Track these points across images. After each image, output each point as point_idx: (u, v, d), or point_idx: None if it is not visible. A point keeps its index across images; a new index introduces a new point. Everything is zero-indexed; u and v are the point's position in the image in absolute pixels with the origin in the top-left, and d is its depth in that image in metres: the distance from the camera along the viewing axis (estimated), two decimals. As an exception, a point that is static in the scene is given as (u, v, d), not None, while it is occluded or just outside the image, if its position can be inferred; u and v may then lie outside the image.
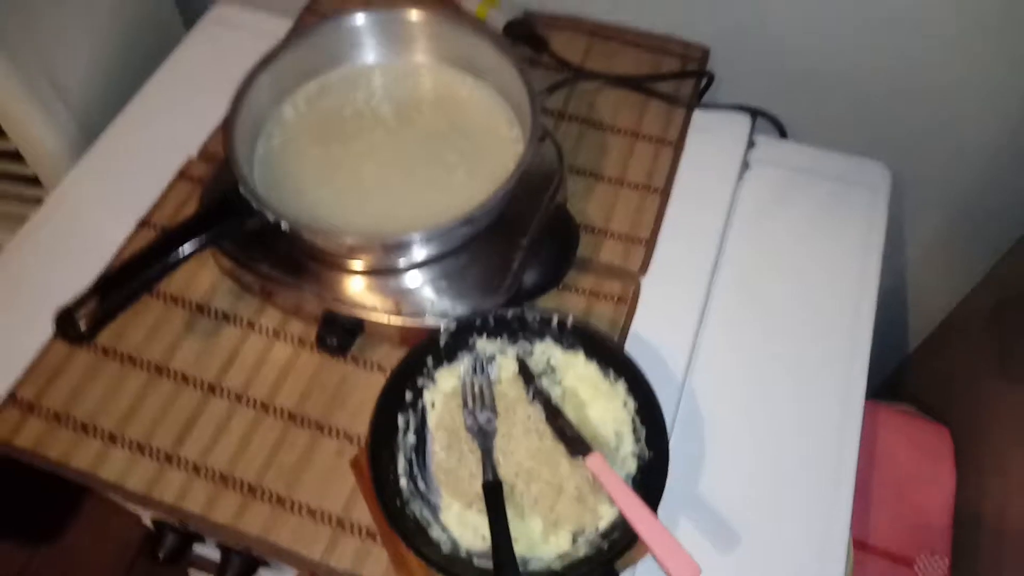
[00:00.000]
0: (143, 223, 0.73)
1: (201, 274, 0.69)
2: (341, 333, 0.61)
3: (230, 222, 0.57)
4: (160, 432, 0.62)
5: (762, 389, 0.66)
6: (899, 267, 0.95)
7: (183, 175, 0.76)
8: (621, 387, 0.58)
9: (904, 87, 0.79)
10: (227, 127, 0.60)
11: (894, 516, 0.76)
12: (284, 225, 0.56)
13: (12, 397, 0.63)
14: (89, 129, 0.81)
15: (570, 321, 0.59)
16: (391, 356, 0.65)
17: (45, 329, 0.64)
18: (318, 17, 0.86)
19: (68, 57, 0.82)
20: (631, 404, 0.58)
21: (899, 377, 1.03)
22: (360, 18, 0.67)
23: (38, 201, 0.77)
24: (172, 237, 0.56)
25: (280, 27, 0.86)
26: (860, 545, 0.75)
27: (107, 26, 0.86)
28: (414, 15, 0.67)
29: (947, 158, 0.84)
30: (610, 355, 0.59)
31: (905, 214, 0.89)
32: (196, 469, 0.61)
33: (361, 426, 0.62)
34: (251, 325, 0.67)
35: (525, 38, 0.82)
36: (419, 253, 0.60)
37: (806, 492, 0.62)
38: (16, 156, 0.83)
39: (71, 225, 0.74)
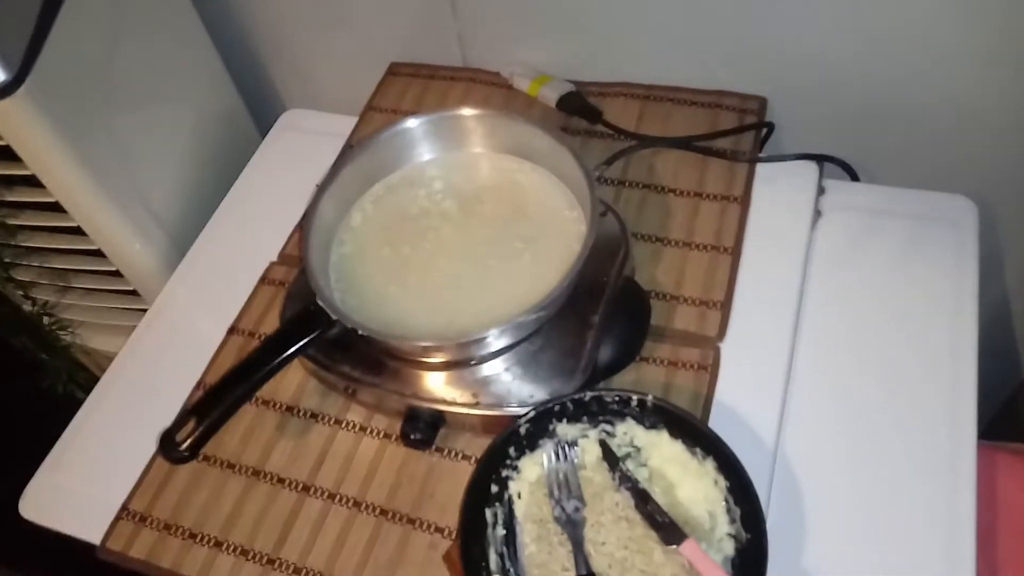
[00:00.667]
0: (232, 329, 0.77)
1: (289, 375, 0.72)
2: (424, 427, 0.63)
3: (311, 335, 0.59)
4: (261, 535, 0.65)
5: (861, 446, 0.63)
6: (998, 298, 0.90)
7: (265, 279, 0.80)
8: (710, 465, 0.57)
9: (974, 114, 0.75)
10: (302, 241, 0.63)
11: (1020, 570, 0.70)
12: (361, 331, 0.58)
13: (124, 510, 0.67)
14: (180, 243, 0.87)
15: (650, 400, 0.59)
16: (474, 444, 0.65)
17: (152, 441, 0.68)
18: (379, 113, 0.90)
19: (158, 181, 0.88)
20: (722, 483, 0.56)
21: (1012, 411, 0.96)
22: (414, 122, 0.70)
23: (142, 310, 0.83)
24: (258, 356, 0.59)
25: (346, 125, 0.90)
26: (991, 606, 0.70)
27: (190, 145, 0.93)
28: (466, 112, 0.69)
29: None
30: (695, 432, 0.58)
31: (997, 243, 0.84)
32: (297, 571, 0.63)
33: (451, 518, 0.63)
34: (338, 422, 0.69)
35: (579, 110, 0.83)
36: (493, 345, 0.61)
37: (922, 553, 0.58)
38: (116, 273, 0.89)
39: (169, 336, 0.79)
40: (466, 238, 0.67)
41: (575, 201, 0.67)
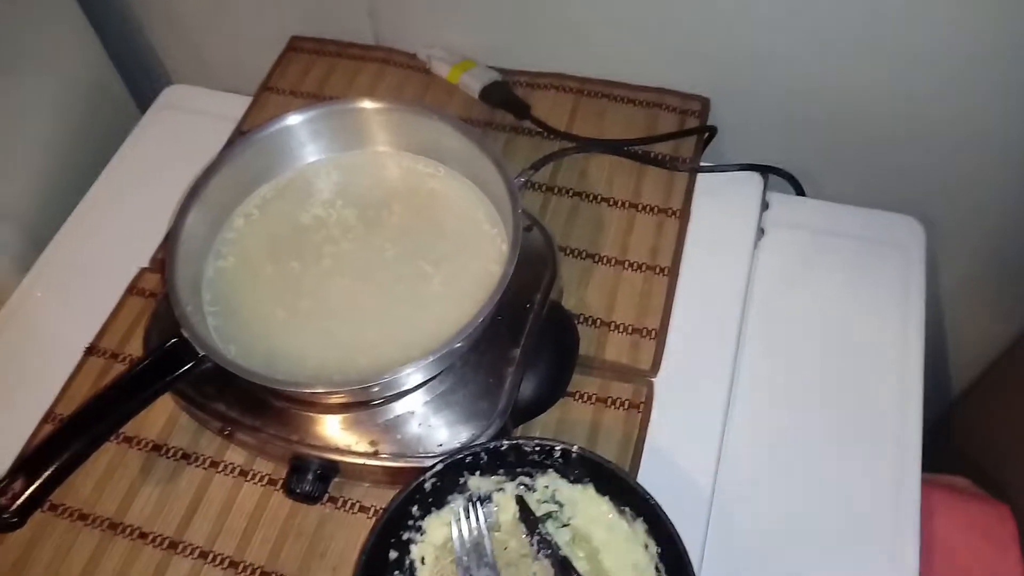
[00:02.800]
0: (91, 349, 0.65)
1: (157, 408, 0.61)
2: (313, 479, 0.53)
3: (174, 374, 0.49)
4: (117, 603, 0.54)
5: (803, 491, 0.57)
6: (933, 311, 0.86)
7: (134, 289, 0.68)
8: (640, 527, 0.50)
9: (928, 131, 0.70)
10: (166, 254, 0.53)
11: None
12: (237, 373, 0.48)
13: (-53, 573, 0.56)
14: (37, 238, 0.74)
15: (575, 450, 0.51)
16: (374, 494, 0.57)
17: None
18: (277, 94, 0.79)
19: (7, 163, 0.75)
20: (653, 548, 0.50)
21: (946, 424, 0.94)
22: (306, 115, 0.59)
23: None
24: (106, 400, 0.48)
25: (238, 106, 0.79)
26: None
27: (50, 122, 0.79)
28: (368, 105, 0.59)
29: (977, 205, 0.75)
30: (625, 489, 0.51)
31: (936, 258, 0.80)
32: (159, 647, 0.53)
33: (345, 580, 0.54)
34: (214, 464, 0.59)
35: (505, 103, 0.75)
36: (396, 386, 0.52)
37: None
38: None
39: (13, 357, 0.67)
40: (368, 255, 0.57)
41: (496, 215, 0.58)
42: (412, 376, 0.51)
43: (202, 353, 0.49)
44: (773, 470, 0.58)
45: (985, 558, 0.69)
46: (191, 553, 0.56)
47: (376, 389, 0.51)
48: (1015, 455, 0.79)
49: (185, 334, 0.49)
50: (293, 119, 0.59)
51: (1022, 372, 0.83)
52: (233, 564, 0.55)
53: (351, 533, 0.56)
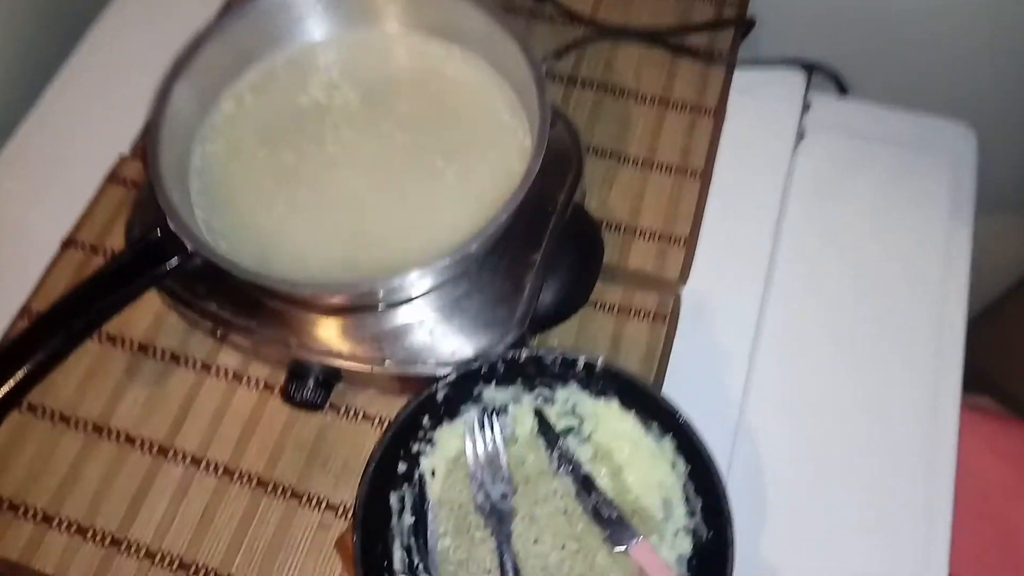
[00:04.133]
0: (69, 242, 0.60)
1: (142, 306, 0.56)
2: (313, 387, 0.49)
3: (158, 270, 0.44)
4: (104, 509, 0.51)
5: (834, 414, 0.54)
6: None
7: (114, 178, 0.62)
8: (668, 444, 0.47)
9: (983, 30, 0.64)
10: (149, 136, 0.47)
11: (979, 539, 0.66)
12: (228, 270, 0.43)
13: (-81, 474, 0.52)
14: (7, 124, 0.67)
15: (600, 363, 0.47)
16: (378, 401, 0.53)
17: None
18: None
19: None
20: (681, 467, 0.46)
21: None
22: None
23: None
24: (84, 296, 0.43)
25: (225, -19, 0.70)
26: None
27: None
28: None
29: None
30: (653, 404, 0.47)
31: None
32: (149, 555, 0.50)
33: (346, 491, 0.51)
34: (206, 367, 0.55)
35: (524, -17, 0.67)
36: (406, 290, 0.47)
37: (896, 539, 0.51)
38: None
39: (-16, 246, 0.61)
40: (373, 144, 0.51)
41: (517, 104, 0.52)
42: (421, 281, 0.46)
43: (191, 248, 0.44)
44: (804, 391, 0.55)
45: (1008, 479, 0.67)
46: (182, 460, 0.52)
47: (381, 294, 0.46)
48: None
49: (172, 225, 0.44)
50: (291, -12, 0.52)
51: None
52: (227, 472, 0.52)
53: (354, 443, 0.52)
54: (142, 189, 0.54)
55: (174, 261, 0.45)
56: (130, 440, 0.53)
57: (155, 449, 0.53)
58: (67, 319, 0.43)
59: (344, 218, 0.49)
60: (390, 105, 0.53)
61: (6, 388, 0.41)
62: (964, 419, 0.70)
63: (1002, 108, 0.68)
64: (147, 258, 0.44)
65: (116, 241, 0.60)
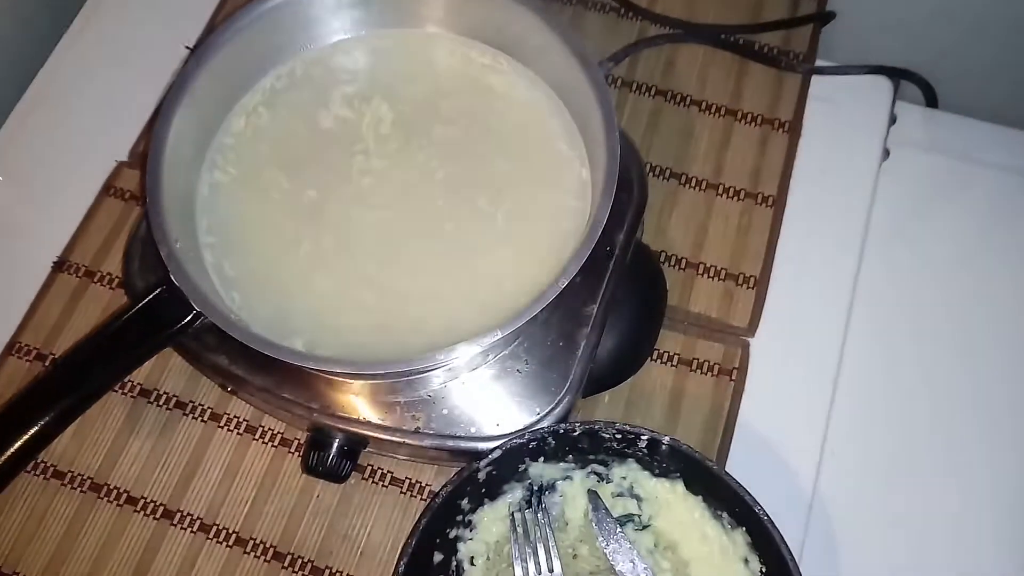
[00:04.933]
0: (60, 264, 0.53)
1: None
2: (337, 455, 0.43)
3: (161, 333, 0.38)
4: (103, 579, 0.46)
5: (925, 490, 0.48)
6: None
7: (110, 189, 0.55)
8: (740, 537, 0.41)
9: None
10: (148, 169, 0.40)
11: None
12: (244, 341, 0.37)
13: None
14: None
15: (666, 442, 0.41)
16: (410, 467, 0.47)
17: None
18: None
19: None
20: (755, 565, 0.41)
21: None
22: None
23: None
24: (74, 368, 0.37)
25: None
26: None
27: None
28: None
29: None
30: (725, 491, 0.41)
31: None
32: (155, 632, 0.45)
33: (372, 567, 0.46)
34: (215, 417, 0.49)
35: (573, -33, 0.59)
36: (442, 361, 0.41)
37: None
38: None
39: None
40: (408, 179, 0.44)
41: (574, 128, 0.45)
42: (462, 353, 0.40)
43: (196, 310, 0.37)
44: (889, 460, 0.48)
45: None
46: (190, 525, 0.47)
47: (415, 368, 0.40)
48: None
49: (177, 284, 0.37)
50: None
51: None
52: (240, 540, 0.47)
53: (381, 511, 0.47)
54: (139, 220, 0.48)
55: (178, 324, 0.38)
56: (131, 500, 0.48)
57: (159, 512, 0.47)
58: (59, 393, 0.37)
59: (375, 270, 0.42)
60: (427, 127, 0.46)
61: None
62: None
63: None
64: (150, 321, 0.38)
65: (113, 264, 0.53)
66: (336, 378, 0.42)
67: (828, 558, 0.46)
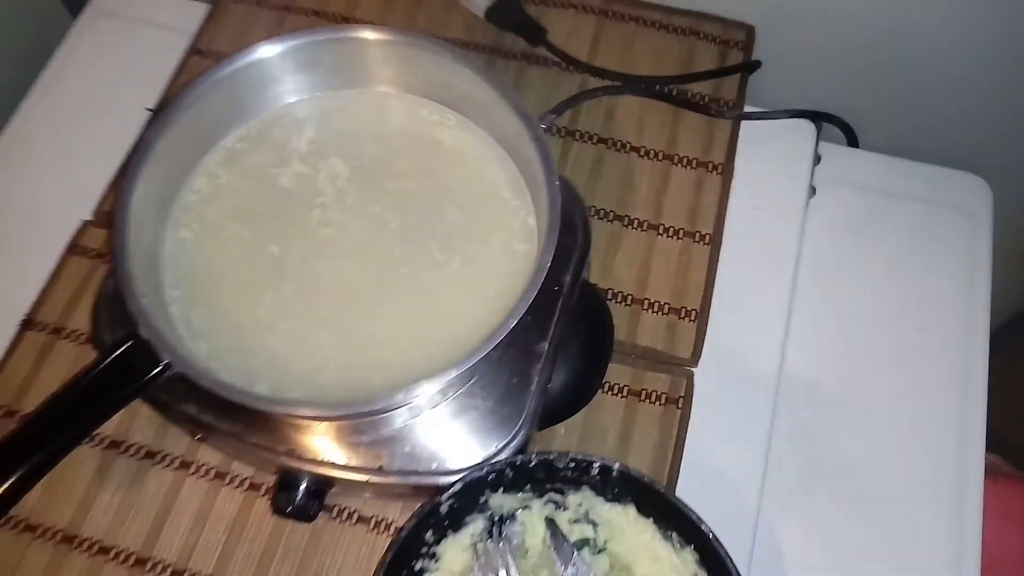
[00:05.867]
0: (28, 323, 0.55)
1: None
2: (304, 496, 0.45)
3: (130, 386, 0.40)
4: (77, 630, 0.47)
5: (857, 501, 0.51)
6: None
7: (75, 248, 0.57)
8: (689, 557, 0.44)
9: (995, 78, 0.61)
10: (114, 229, 0.42)
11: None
12: (212, 389, 0.39)
13: None
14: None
15: (616, 467, 0.44)
16: (375, 504, 0.49)
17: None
18: (240, 3, 0.65)
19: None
20: (704, 580, 0.43)
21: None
22: (280, 47, 0.47)
23: None
24: (42, 424, 0.39)
25: (192, 15, 0.65)
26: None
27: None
28: (367, 35, 0.47)
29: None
30: (673, 513, 0.44)
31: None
32: None
33: (343, 604, 0.47)
34: (185, 465, 0.51)
35: (516, 25, 0.63)
36: (403, 400, 0.43)
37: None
38: None
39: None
40: (365, 227, 0.47)
41: (519, 178, 0.48)
42: (422, 391, 0.42)
43: (166, 360, 0.39)
44: (826, 475, 0.52)
45: (1015, 546, 0.65)
46: (162, 572, 0.48)
47: (377, 408, 0.42)
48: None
49: (145, 336, 0.39)
50: (268, 50, 0.47)
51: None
52: (213, 585, 0.48)
53: (350, 549, 0.49)
54: (107, 276, 0.49)
55: (148, 375, 0.40)
56: (104, 550, 0.49)
57: (132, 560, 0.49)
58: (31, 447, 0.39)
59: (334, 314, 0.45)
60: (381, 180, 0.49)
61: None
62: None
63: (1015, 158, 0.65)
64: (121, 373, 0.40)
65: (80, 321, 0.55)
66: (302, 421, 0.44)
67: (775, 574, 0.49)
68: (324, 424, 0.45)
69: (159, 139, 0.45)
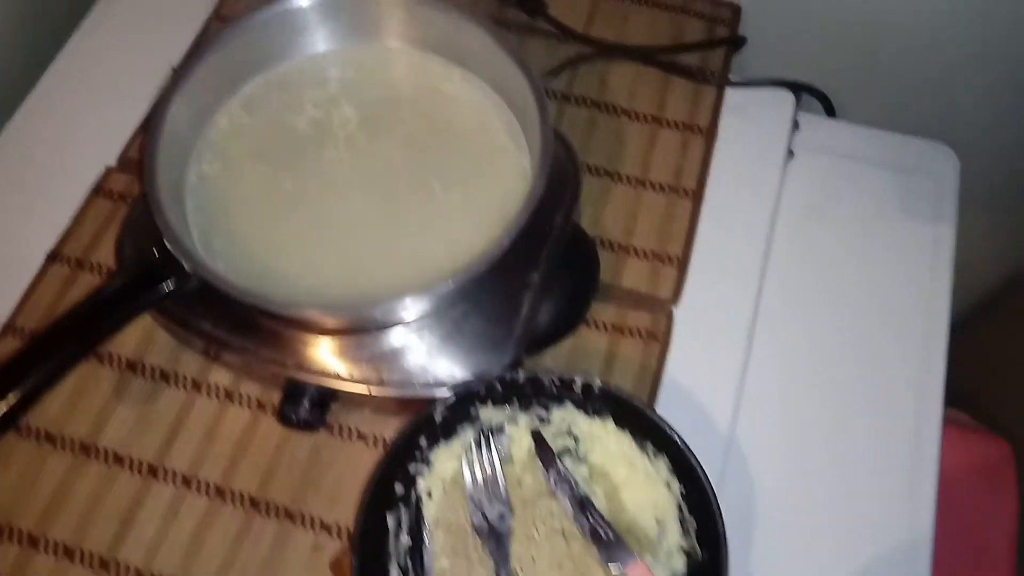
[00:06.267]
0: (53, 255, 0.59)
1: (131, 323, 0.56)
2: (309, 407, 0.49)
3: (156, 294, 0.43)
4: (93, 530, 0.50)
5: (822, 430, 0.55)
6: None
7: (100, 190, 0.61)
8: (662, 464, 0.47)
9: (965, 54, 0.66)
10: (144, 153, 0.46)
11: (949, 548, 0.67)
12: (229, 292, 0.43)
13: (-100, 495, 0.51)
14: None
15: (597, 385, 0.48)
16: (373, 421, 0.53)
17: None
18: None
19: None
20: (676, 487, 0.47)
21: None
22: (304, 3, 0.52)
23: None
24: (78, 319, 0.42)
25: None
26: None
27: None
28: (379, -9, 0.52)
29: (1004, 132, 0.71)
30: (647, 424, 0.47)
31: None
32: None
33: (341, 512, 0.51)
34: (196, 386, 0.54)
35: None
36: (404, 314, 0.47)
37: (881, 550, 0.52)
38: None
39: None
40: (373, 166, 0.51)
41: (516, 125, 0.53)
42: (418, 305, 0.46)
43: (189, 269, 0.43)
44: (793, 407, 0.56)
45: (982, 497, 0.69)
46: (173, 480, 0.52)
47: (378, 316, 0.46)
48: (1013, 389, 0.78)
49: (170, 247, 0.43)
50: (292, 4, 0.52)
51: (1022, 304, 0.82)
52: (219, 492, 0.51)
53: (349, 462, 0.52)
54: (133, 206, 0.54)
55: (172, 283, 0.44)
56: (119, 460, 0.52)
57: (144, 469, 0.52)
58: (63, 341, 0.43)
59: (342, 240, 0.49)
60: (389, 125, 0.53)
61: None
62: (945, 433, 0.72)
63: (981, 128, 0.69)
64: (145, 280, 0.44)
65: (103, 256, 0.59)
66: (308, 333, 0.48)
67: (744, 491, 0.52)
68: (328, 339, 0.49)
69: (189, 77, 0.49)
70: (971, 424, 0.74)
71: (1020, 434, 0.73)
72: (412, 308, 0.46)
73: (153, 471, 0.52)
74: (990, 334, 0.87)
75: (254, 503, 0.51)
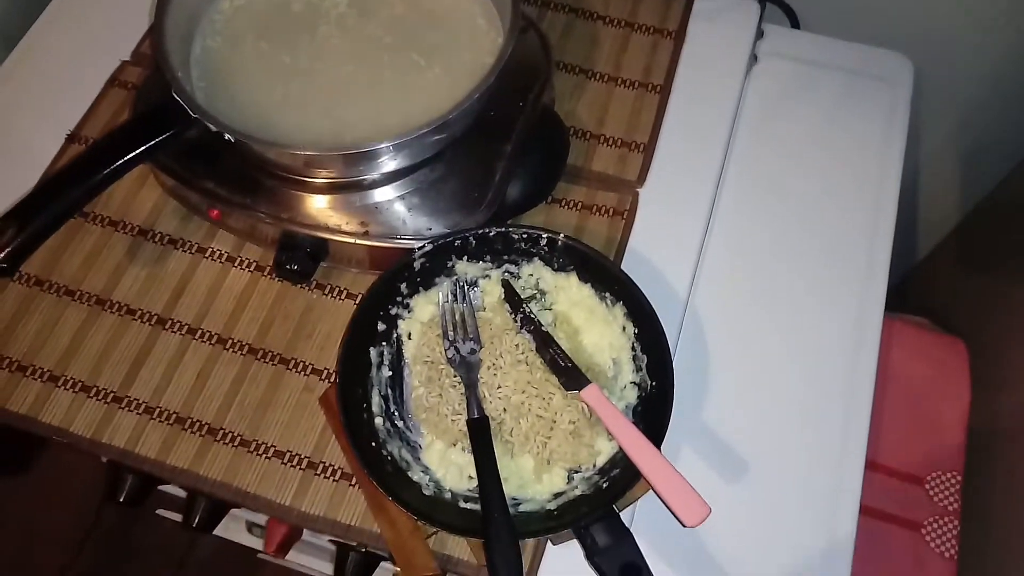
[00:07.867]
0: (72, 137, 0.64)
1: (142, 194, 0.61)
2: (302, 257, 0.54)
3: (164, 133, 0.49)
4: (106, 371, 0.56)
5: (772, 306, 0.60)
6: (909, 170, 0.88)
7: (115, 81, 0.66)
8: (619, 311, 0.52)
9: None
10: (155, 25, 0.51)
11: (905, 433, 0.72)
12: (228, 135, 0.48)
13: (-66, 337, 0.57)
14: (7, 36, 0.71)
15: (561, 239, 0.53)
16: (360, 281, 0.58)
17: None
18: None
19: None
20: (630, 329, 0.52)
21: (908, 286, 0.98)
22: None
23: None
24: (98, 153, 0.48)
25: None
26: (869, 464, 0.71)
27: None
28: None
29: (968, 56, 0.76)
30: (607, 276, 0.53)
31: (919, 113, 0.81)
32: (148, 410, 0.55)
33: (330, 359, 0.56)
34: (202, 250, 0.60)
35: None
36: (388, 164, 0.52)
37: (820, 416, 0.57)
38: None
39: (-8, 141, 0.66)
40: (360, 41, 0.56)
41: (492, 10, 0.57)
42: (400, 154, 0.51)
43: (194, 115, 0.49)
44: (746, 283, 0.60)
45: (937, 386, 0.74)
46: (179, 330, 0.57)
47: (364, 164, 0.51)
48: (973, 301, 0.83)
49: (176, 96, 0.49)
50: None
51: (988, 225, 0.86)
52: (221, 341, 0.57)
53: (337, 317, 0.57)
54: (147, 76, 0.59)
55: (177, 128, 0.49)
56: (130, 312, 0.58)
57: (154, 320, 0.57)
58: (83, 174, 0.48)
59: (333, 104, 0.54)
60: (375, 6, 0.58)
61: (23, 235, 0.46)
62: (902, 330, 0.77)
63: (937, 40, 0.74)
64: (153, 123, 0.49)
65: (117, 138, 0.64)
66: (301, 192, 0.54)
67: (699, 351, 0.57)
68: (320, 195, 0.54)
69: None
70: (929, 326, 0.79)
71: (975, 339, 0.78)
72: (391, 159, 0.51)
73: (162, 322, 0.57)
74: (957, 262, 0.91)
75: (252, 350, 0.56)
